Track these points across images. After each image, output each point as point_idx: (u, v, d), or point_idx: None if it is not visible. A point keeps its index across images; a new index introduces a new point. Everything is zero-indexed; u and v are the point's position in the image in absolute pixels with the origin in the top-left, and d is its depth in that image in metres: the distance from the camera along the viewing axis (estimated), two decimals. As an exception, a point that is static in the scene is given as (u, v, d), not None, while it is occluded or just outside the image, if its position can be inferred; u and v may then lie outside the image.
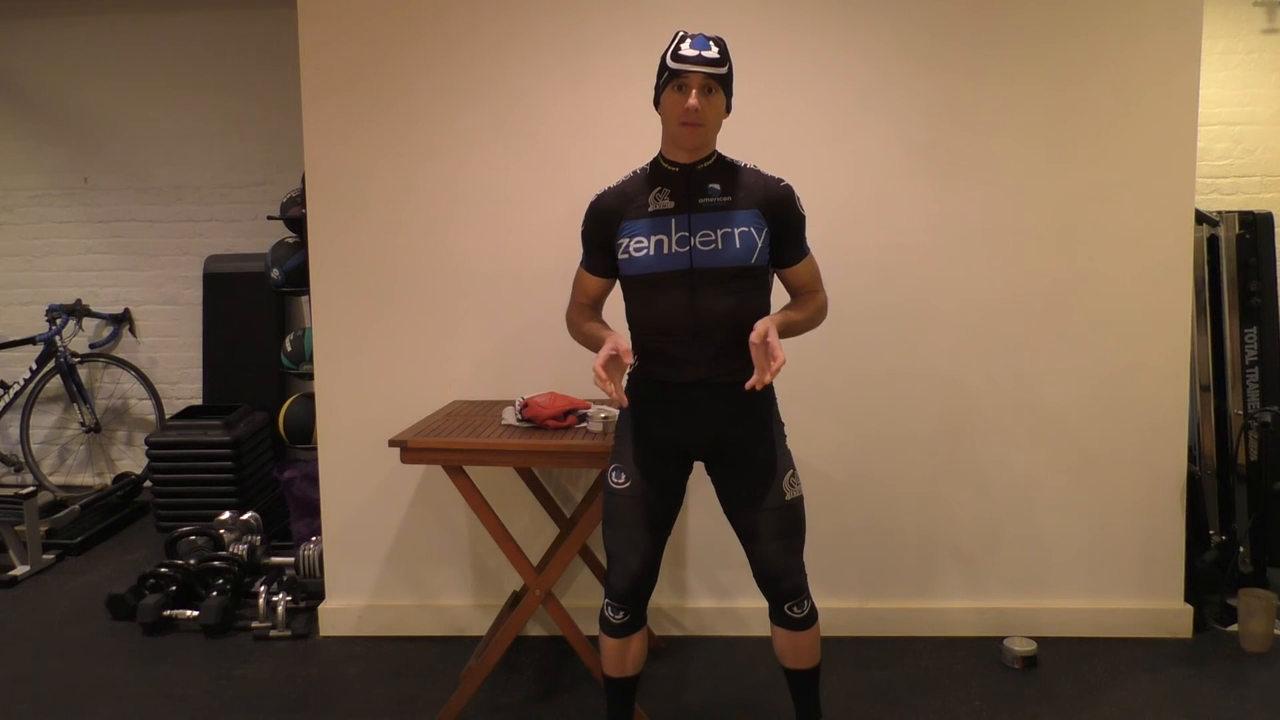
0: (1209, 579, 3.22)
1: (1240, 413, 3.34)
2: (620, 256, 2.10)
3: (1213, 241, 3.39)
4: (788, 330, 2.08)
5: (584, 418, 2.68)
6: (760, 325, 1.95)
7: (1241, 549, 3.29)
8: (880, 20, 3.00)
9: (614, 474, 2.17)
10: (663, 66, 2.02)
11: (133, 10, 5.05)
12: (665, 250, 2.04)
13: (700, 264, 2.03)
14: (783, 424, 2.23)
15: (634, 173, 2.16)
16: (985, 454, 3.13)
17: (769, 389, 2.18)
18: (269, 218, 4.37)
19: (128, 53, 5.10)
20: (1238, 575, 3.27)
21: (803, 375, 3.10)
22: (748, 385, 1.95)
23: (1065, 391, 3.09)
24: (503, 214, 3.12)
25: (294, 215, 3.90)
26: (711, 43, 2.01)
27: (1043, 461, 3.13)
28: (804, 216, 2.14)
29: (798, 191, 2.12)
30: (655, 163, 2.14)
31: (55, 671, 3.05)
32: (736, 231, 2.04)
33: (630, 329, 2.19)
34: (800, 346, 3.05)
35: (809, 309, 2.19)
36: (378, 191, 3.15)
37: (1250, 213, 3.37)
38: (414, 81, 3.10)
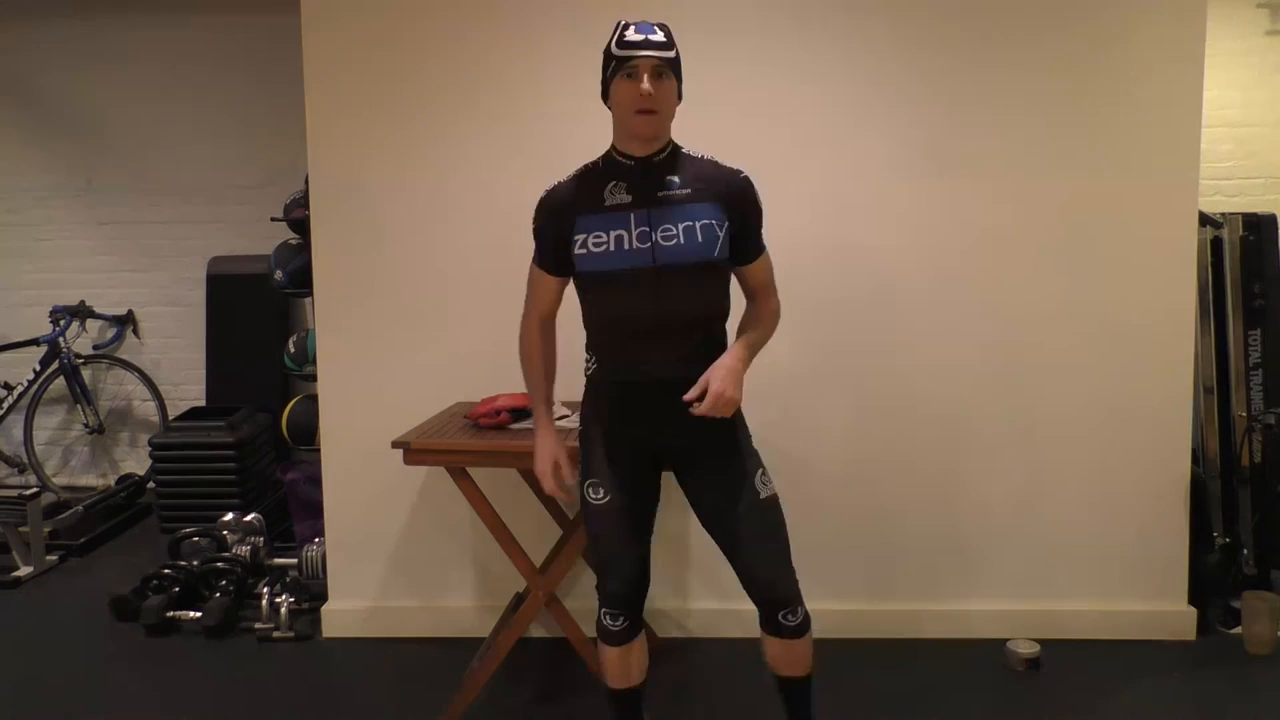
0: (1213, 581, 3.21)
1: (1244, 415, 3.33)
2: (577, 252, 2.00)
3: (1216, 244, 3.39)
4: (754, 355, 2.03)
5: (521, 416, 2.66)
6: (709, 383, 1.93)
7: (1245, 551, 3.29)
8: (881, 26, 3.01)
9: (591, 490, 2.08)
10: (608, 57, 1.97)
11: (137, 13, 5.06)
12: (626, 246, 1.96)
13: (663, 260, 1.96)
14: (746, 425, 2.14)
15: (586, 167, 2.08)
16: (988, 455, 3.13)
17: None
18: (272, 219, 4.37)
19: (132, 55, 5.11)
20: (1241, 577, 3.26)
21: (808, 376, 3.10)
22: (696, 410, 1.92)
23: (1068, 393, 3.09)
24: (504, 215, 3.10)
25: (297, 217, 3.91)
26: (657, 28, 1.96)
27: (1046, 463, 3.12)
28: (762, 209, 2.07)
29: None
30: (608, 157, 2.06)
31: (58, 673, 3.05)
32: (698, 225, 1.96)
33: (589, 332, 2.12)
34: (804, 347, 3.06)
35: (768, 323, 2.12)
36: (381, 193, 3.15)
37: (1254, 215, 3.36)
38: (416, 84, 3.11)
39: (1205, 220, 3.29)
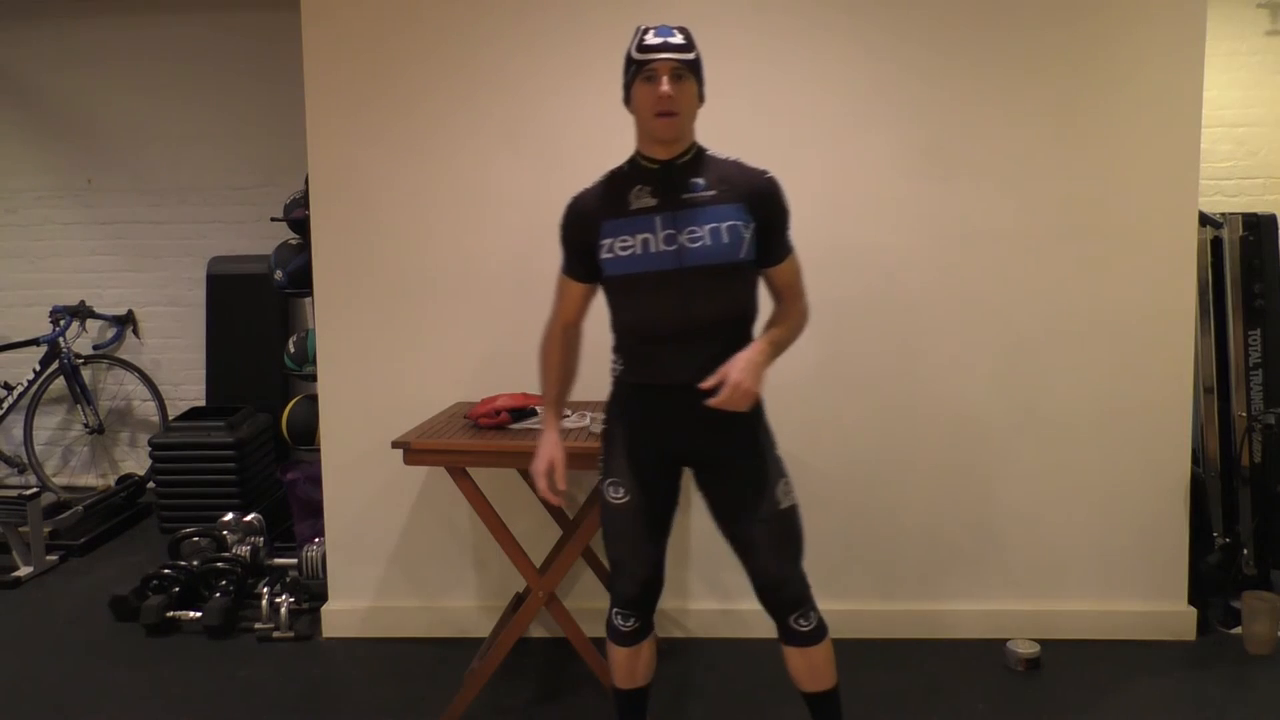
0: (1213, 581, 3.21)
1: (1244, 415, 3.33)
2: (604, 256, 2.01)
3: (1216, 244, 3.39)
4: (778, 352, 2.01)
5: (521, 416, 2.66)
6: (727, 374, 1.89)
7: (1245, 551, 3.29)
8: (881, 26, 3.01)
9: (611, 488, 2.09)
10: (629, 61, 1.98)
11: (137, 12, 5.06)
12: (653, 249, 1.96)
13: (690, 262, 1.95)
14: (770, 432, 2.12)
15: (611, 173, 2.09)
16: (989, 455, 3.13)
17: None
18: (272, 219, 4.37)
19: (132, 55, 5.11)
20: (1241, 577, 3.26)
21: (807, 377, 3.10)
22: (711, 402, 1.89)
23: (1069, 393, 3.09)
24: (505, 214, 3.12)
25: (297, 217, 3.91)
26: (676, 31, 1.96)
27: (1046, 463, 3.12)
28: (788, 211, 2.05)
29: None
30: (633, 161, 2.07)
31: (58, 673, 3.05)
32: (723, 226, 1.96)
33: (616, 335, 2.12)
34: (804, 347, 3.05)
35: (794, 322, 2.09)
36: (380, 193, 3.15)
37: (1254, 215, 3.36)
38: (417, 83, 3.11)
39: (1205, 220, 3.29)
